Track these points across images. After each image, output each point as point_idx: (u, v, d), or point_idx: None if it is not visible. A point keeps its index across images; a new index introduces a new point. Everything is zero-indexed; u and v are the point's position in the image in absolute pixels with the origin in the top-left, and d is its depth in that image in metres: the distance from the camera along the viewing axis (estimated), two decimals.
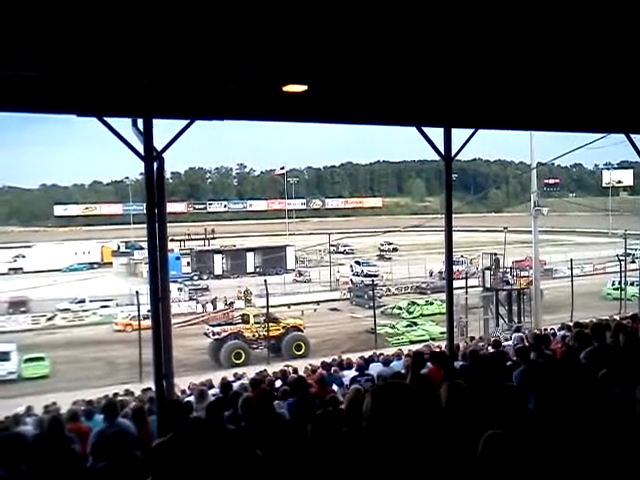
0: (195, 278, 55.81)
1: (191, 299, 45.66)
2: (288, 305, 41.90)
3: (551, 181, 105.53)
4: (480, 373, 5.00)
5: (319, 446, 3.31)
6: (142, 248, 56.56)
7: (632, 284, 40.17)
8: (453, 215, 10.95)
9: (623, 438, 3.01)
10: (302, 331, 33.39)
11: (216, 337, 31.71)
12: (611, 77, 7.91)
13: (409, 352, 14.07)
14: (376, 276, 50.22)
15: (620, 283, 39.06)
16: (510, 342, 13.75)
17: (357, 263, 58.29)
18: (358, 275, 52.80)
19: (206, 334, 32.42)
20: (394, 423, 2.49)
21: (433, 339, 28.46)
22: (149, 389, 13.44)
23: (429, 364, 7.25)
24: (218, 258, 60.06)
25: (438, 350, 11.79)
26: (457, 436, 3.07)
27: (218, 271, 59.14)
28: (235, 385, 10.82)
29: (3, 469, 3.97)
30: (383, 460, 2.51)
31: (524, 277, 35.23)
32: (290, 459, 3.33)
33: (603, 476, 2.78)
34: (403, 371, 7.62)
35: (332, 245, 61.43)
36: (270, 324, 32.07)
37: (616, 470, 2.79)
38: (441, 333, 29.18)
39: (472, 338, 21.82)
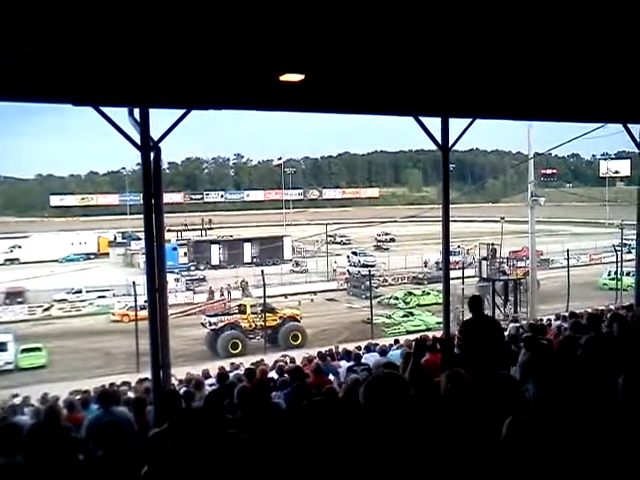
0: (192, 268, 55.84)
1: (188, 289, 45.67)
2: (285, 295, 41.93)
3: (548, 171, 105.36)
4: (477, 362, 5.00)
5: (312, 435, 3.32)
6: (139, 239, 56.46)
7: (628, 274, 40.23)
8: (450, 205, 10.96)
9: (617, 429, 3.02)
10: (299, 321, 33.47)
11: (213, 327, 31.76)
12: (609, 67, 7.89)
13: (406, 341, 14.12)
14: (373, 266, 50.28)
15: (616, 273, 39.14)
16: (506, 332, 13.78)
17: (354, 253, 58.39)
18: (355, 265, 52.86)
19: (203, 324, 32.50)
20: (387, 414, 2.49)
21: (429, 329, 28.52)
22: (145, 379, 13.45)
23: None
24: (215, 248, 60.05)
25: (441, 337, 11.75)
26: (457, 424, 3.08)
27: (215, 261, 59.15)
28: (231, 375, 10.82)
29: (3, 457, 3.97)
30: (379, 449, 2.51)
31: (521, 267, 35.33)
32: (286, 449, 3.33)
33: (597, 466, 2.79)
34: (400, 361, 7.62)
35: (329, 235, 61.45)
36: (267, 314, 32.11)
37: (609, 462, 2.79)
38: (437, 323, 29.27)
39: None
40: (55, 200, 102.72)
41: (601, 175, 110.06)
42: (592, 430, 3.03)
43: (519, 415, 2.66)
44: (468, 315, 7.45)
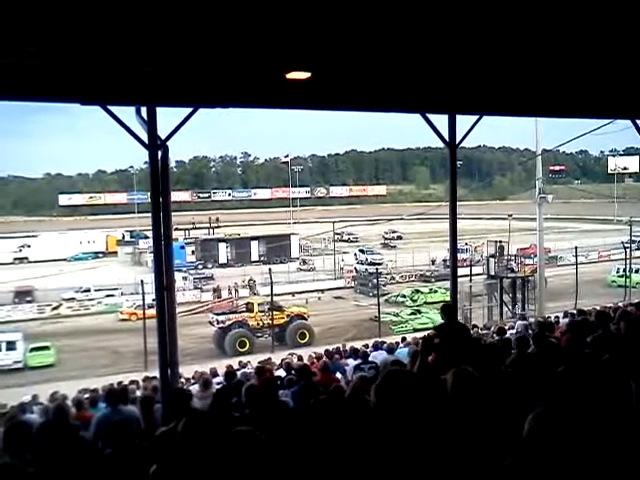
0: (200, 267, 55.93)
1: (196, 288, 45.76)
2: (292, 293, 41.98)
3: (556, 168, 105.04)
4: (483, 360, 4.98)
5: (319, 433, 3.32)
6: (147, 237, 56.64)
7: (637, 271, 40.11)
8: (457, 203, 10.92)
9: (624, 430, 3.00)
10: (306, 319, 33.52)
11: (220, 326, 31.83)
12: (617, 63, 7.84)
13: (413, 339, 14.10)
14: (380, 264, 50.21)
15: (625, 270, 38.98)
16: (514, 330, 13.77)
17: (361, 251, 58.32)
18: (362, 263, 52.82)
19: (211, 323, 32.57)
20: (399, 411, 2.49)
21: None
22: (153, 378, 13.49)
23: None
24: (222, 247, 60.13)
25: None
26: (463, 422, 3.07)
27: (223, 260, 59.22)
28: (239, 373, 10.85)
29: (9, 457, 3.99)
30: (388, 445, 2.50)
31: (528, 265, 35.20)
32: (293, 447, 3.33)
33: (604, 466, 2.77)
34: (407, 359, 7.62)
35: (336, 233, 61.36)
36: (274, 312, 32.15)
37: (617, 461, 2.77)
38: None
39: (474, 326, 21.82)
40: (63, 199, 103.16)
41: (609, 171, 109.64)
42: (601, 428, 3.01)
43: (545, 409, 2.61)
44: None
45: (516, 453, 2.49)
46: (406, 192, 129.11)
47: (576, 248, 39.95)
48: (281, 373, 11.34)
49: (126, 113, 7.85)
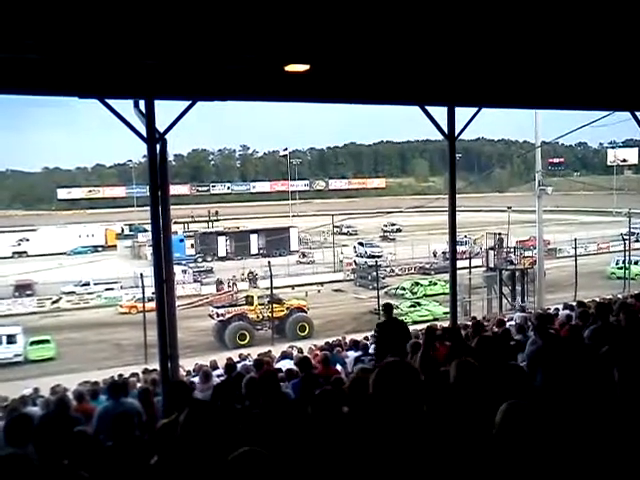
0: (199, 260, 55.98)
1: (195, 281, 45.79)
2: (292, 286, 42.00)
3: (555, 160, 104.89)
4: (484, 352, 5.00)
5: (320, 425, 3.33)
6: (146, 230, 56.63)
7: (636, 263, 40.17)
8: (457, 195, 10.93)
9: (624, 421, 3.01)
10: (306, 312, 33.58)
11: (220, 319, 31.89)
12: (616, 54, 7.82)
13: (413, 332, 14.11)
14: (379, 257, 50.24)
15: (624, 262, 39.03)
16: (513, 321, 13.77)
17: (360, 244, 58.34)
18: (362, 256, 52.84)
19: (210, 316, 32.62)
20: (396, 399, 2.49)
21: (436, 319, 28.48)
22: (153, 370, 13.52)
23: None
24: (222, 240, 60.13)
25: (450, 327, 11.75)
26: (465, 411, 3.08)
27: (222, 253, 59.26)
28: (239, 366, 10.87)
29: (11, 448, 4.01)
30: (385, 436, 2.51)
31: (528, 257, 35.22)
32: (294, 439, 3.34)
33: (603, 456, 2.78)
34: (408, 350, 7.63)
35: (335, 226, 61.36)
36: (274, 305, 32.21)
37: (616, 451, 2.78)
38: (444, 313, 29.26)
39: (474, 318, 21.87)
40: (62, 193, 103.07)
41: (609, 163, 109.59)
42: (593, 420, 3.02)
43: (515, 401, 2.63)
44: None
45: (484, 445, 2.50)
46: (405, 185, 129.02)
47: (575, 240, 39.96)
48: (281, 366, 11.36)
49: (124, 106, 7.84)
